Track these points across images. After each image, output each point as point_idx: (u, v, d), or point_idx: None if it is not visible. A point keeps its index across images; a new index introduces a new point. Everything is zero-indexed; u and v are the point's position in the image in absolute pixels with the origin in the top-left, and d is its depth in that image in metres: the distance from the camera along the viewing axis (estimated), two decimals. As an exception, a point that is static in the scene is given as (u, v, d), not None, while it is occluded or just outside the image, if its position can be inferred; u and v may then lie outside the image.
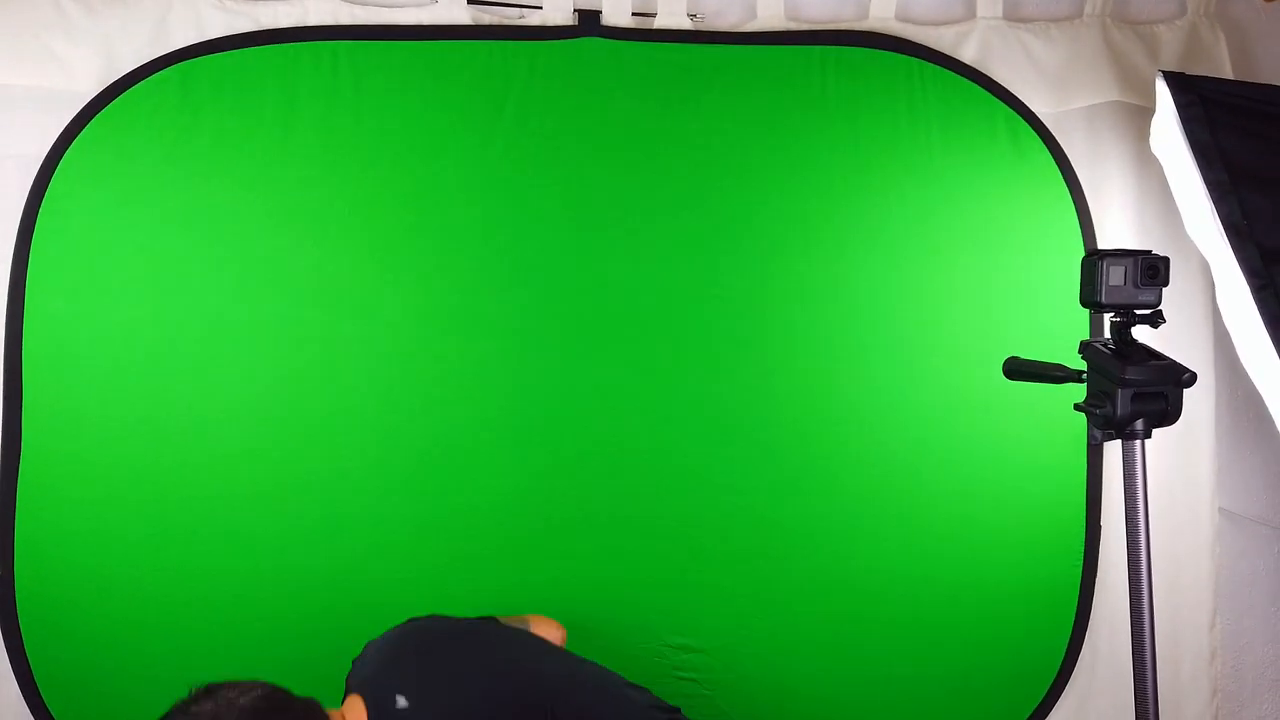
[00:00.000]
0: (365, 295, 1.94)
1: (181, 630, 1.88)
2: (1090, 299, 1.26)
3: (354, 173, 1.93)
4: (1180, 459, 2.17)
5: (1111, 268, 1.24)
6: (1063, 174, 2.12)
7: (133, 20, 1.86)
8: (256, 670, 1.87)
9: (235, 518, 1.90)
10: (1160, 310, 1.26)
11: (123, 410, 1.85)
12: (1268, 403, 1.75)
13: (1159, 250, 2.09)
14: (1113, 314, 1.26)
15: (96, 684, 1.87)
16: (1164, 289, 1.29)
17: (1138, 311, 1.26)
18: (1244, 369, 1.78)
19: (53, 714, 1.86)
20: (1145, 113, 2.06)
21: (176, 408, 1.87)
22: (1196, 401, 2.17)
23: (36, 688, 1.84)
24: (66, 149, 1.83)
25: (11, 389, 1.82)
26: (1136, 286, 1.24)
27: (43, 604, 1.84)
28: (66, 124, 1.83)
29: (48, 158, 1.82)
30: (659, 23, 2.02)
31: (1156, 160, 1.91)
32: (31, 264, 1.82)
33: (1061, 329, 1.94)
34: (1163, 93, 1.78)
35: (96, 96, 1.84)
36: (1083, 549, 2.12)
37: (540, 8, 1.99)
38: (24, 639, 1.83)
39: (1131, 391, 1.21)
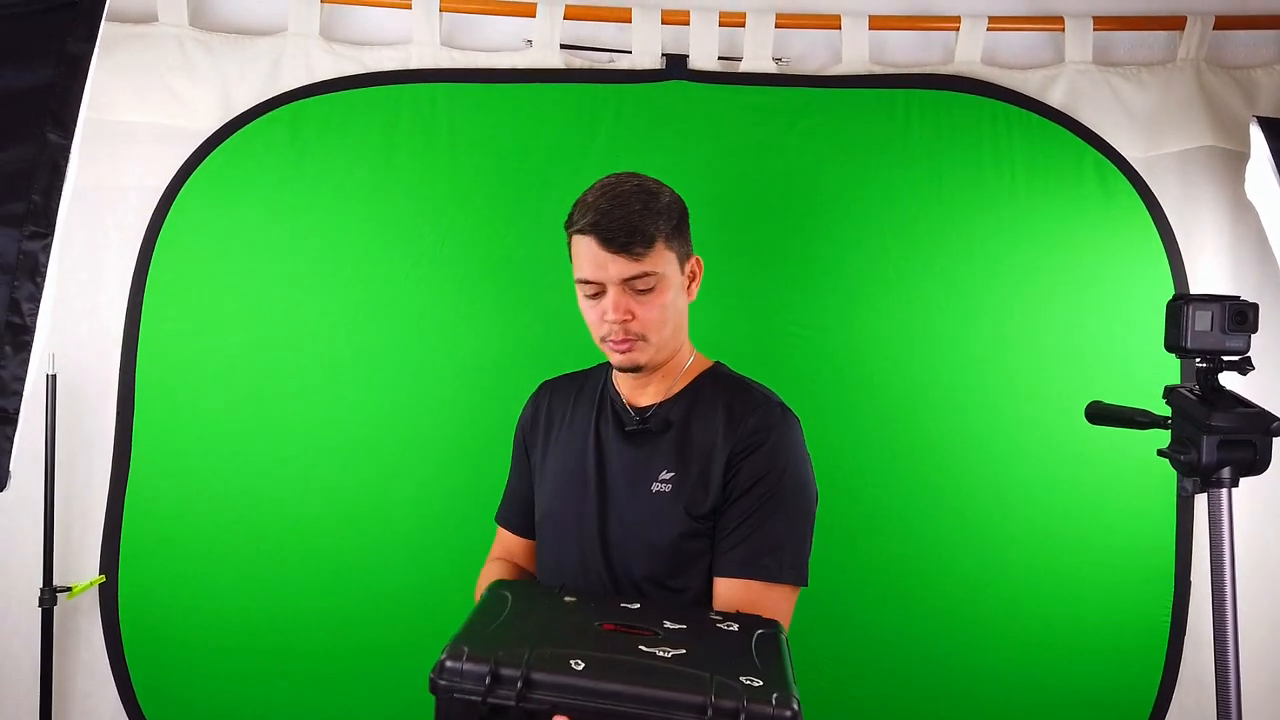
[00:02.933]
0: (454, 322, 2.01)
1: (274, 645, 1.95)
2: (1175, 344, 1.24)
3: (449, 208, 2.01)
4: (1276, 512, 2.09)
5: (1198, 313, 1.22)
6: (1153, 218, 2.09)
7: (248, 62, 1.98)
8: (348, 686, 1.95)
9: (334, 540, 1.97)
10: (1249, 357, 1.24)
11: (227, 430, 1.95)
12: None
13: (1253, 297, 2.05)
14: (1199, 359, 1.24)
15: (191, 692, 1.95)
16: (1253, 335, 1.26)
17: (1225, 358, 1.23)
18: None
19: (147, 717, 1.93)
20: (1240, 158, 2.02)
21: (278, 429, 1.96)
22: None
23: (134, 692, 1.93)
24: (185, 182, 1.95)
25: (125, 405, 1.93)
26: (1224, 332, 1.21)
27: (143, 611, 1.94)
28: (185, 159, 1.95)
29: (167, 190, 1.95)
30: (745, 66, 2.07)
31: (1252, 207, 1.87)
32: (149, 288, 1.94)
33: (1152, 375, 1.90)
34: (1257, 138, 1.75)
35: (214, 134, 1.96)
36: (1171, 602, 2.05)
37: (629, 52, 2.06)
38: (124, 644, 1.92)
39: (1218, 439, 1.19)
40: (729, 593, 1.34)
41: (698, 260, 1.47)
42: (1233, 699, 1.23)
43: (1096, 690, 2.06)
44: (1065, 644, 2.05)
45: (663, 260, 1.36)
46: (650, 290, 1.35)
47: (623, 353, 1.38)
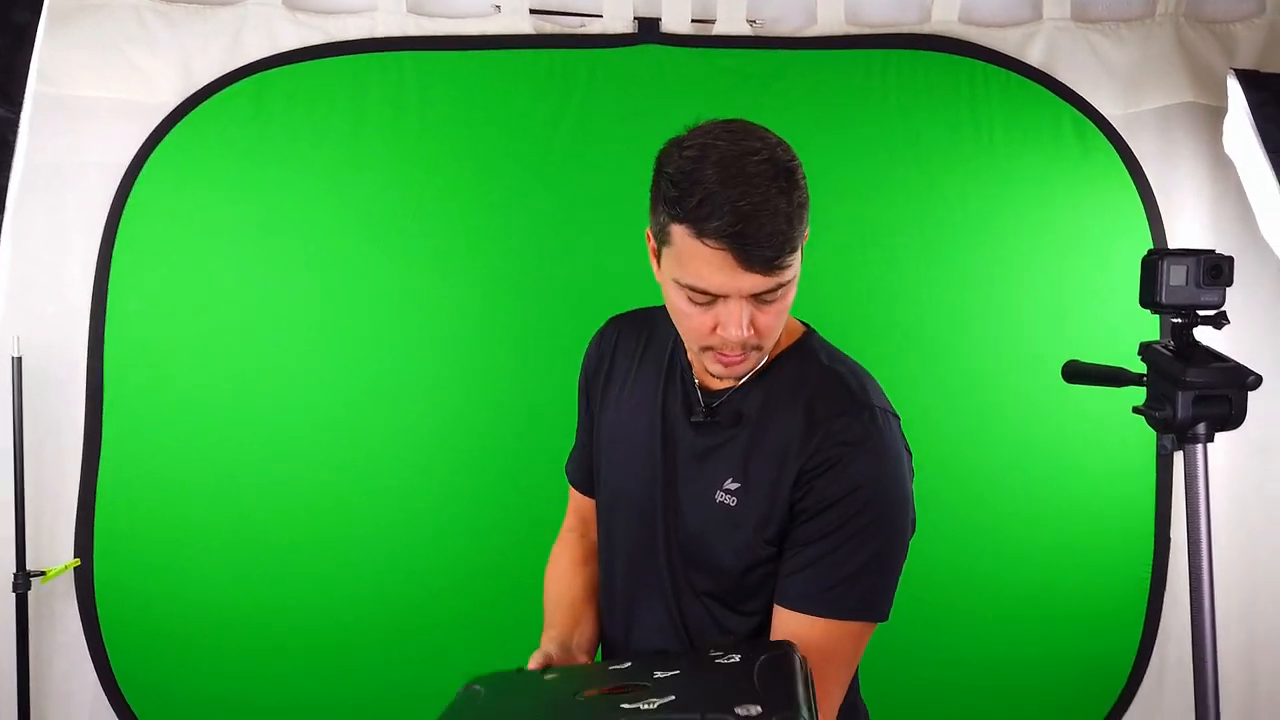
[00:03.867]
0: (429, 297, 1.99)
1: (252, 624, 1.94)
2: (1150, 299, 1.22)
3: (419, 179, 1.98)
4: (1257, 472, 2.10)
5: (1173, 267, 1.20)
6: (1132, 176, 2.08)
7: (210, 33, 1.94)
8: (331, 665, 1.94)
9: (312, 519, 1.96)
10: (1224, 311, 1.22)
11: (200, 410, 1.93)
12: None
13: (1231, 252, 2.04)
14: (1174, 315, 1.23)
15: (170, 672, 1.94)
16: (1228, 289, 1.24)
17: (1200, 312, 1.22)
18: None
19: (128, 702, 1.92)
20: (1220, 114, 2.00)
21: (251, 409, 1.94)
22: (1274, 411, 2.09)
23: (113, 674, 1.92)
24: (147, 158, 1.91)
25: (94, 386, 1.90)
26: (1199, 286, 1.20)
27: (121, 596, 1.92)
28: (147, 134, 1.91)
29: (129, 166, 1.91)
30: (718, 29, 2.03)
31: (1230, 162, 1.85)
32: (114, 267, 1.90)
33: (1131, 332, 1.90)
34: (1235, 91, 1.73)
35: (176, 108, 1.92)
36: (1151, 559, 2.06)
37: (600, 16, 2.02)
38: (101, 626, 1.91)
39: (1193, 394, 1.17)
40: (786, 625, 1.11)
41: (805, 232, 1.13)
42: (1208, 653, 1.22)
43: (1078, 646, 2.08)
44: (1047, 602, 2.06)
45: (796, 262, 1.07)
46: (777, 299, 1.08)
47: (731, 364, 1.11)
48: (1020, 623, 2.06)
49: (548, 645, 1.18)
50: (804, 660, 0.98)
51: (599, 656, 1.34)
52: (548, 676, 1.07)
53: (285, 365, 1.95)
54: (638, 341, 1.31)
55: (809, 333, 1.24)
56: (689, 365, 1.22)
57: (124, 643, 1.92)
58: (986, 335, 2.06)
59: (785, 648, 1.01)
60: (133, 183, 1.91)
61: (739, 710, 0.85)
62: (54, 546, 1.91)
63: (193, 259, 1.94)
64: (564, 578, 1.35)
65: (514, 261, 2.01)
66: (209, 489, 1.92)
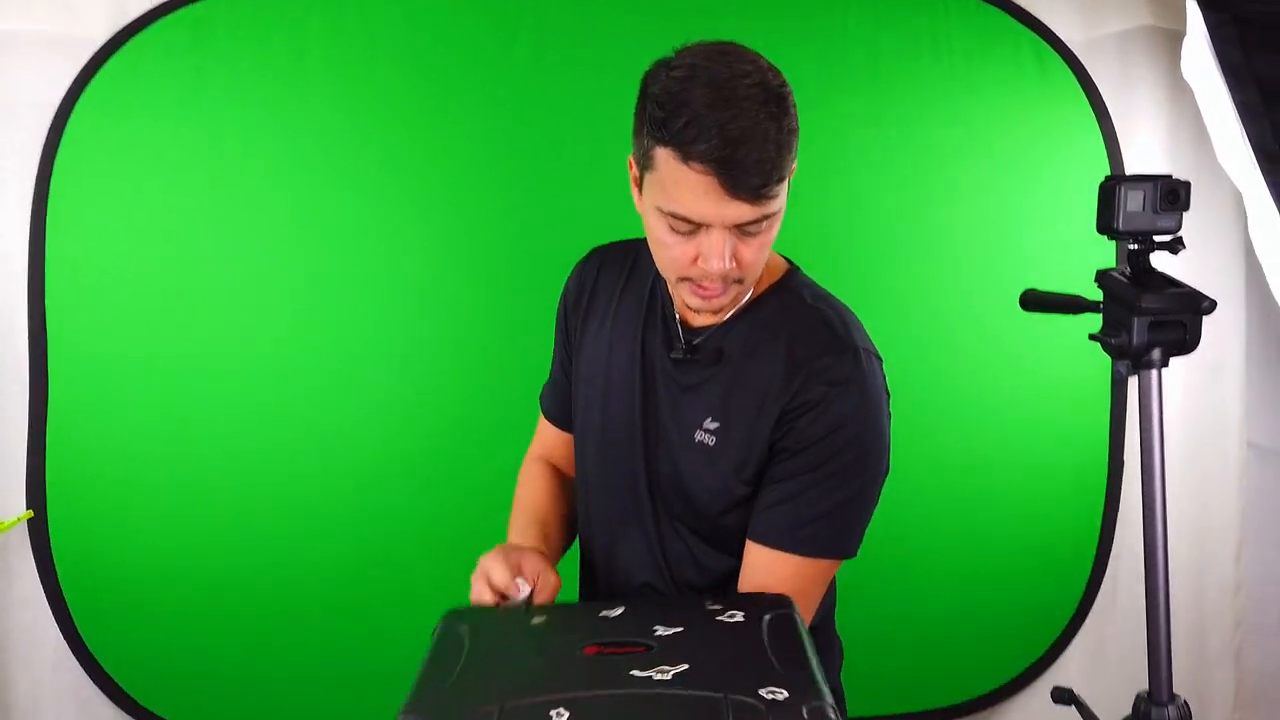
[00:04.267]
0: (381, 229, 1.94)
1: (211, 567, 1.92)
2: (1107, 225, 1.22)
3: (366, 114, 1.92)
4: (1209, 394, 2.15)
5: (1130, 193, 1.19)
6: (1091, 102, 2.07)
7: (141, -38, 1.84)
8: (294, 605, 1.94)
9: (266, 461, 1.93)
10: (1180, 237, 1.22)
11: (146, 354, 1.88)
12: (1298, 333, 1.71)
13: (1193, 183, 2.05)
14: (1131, 241, 1.23)
15: (135, 622, 1.92)
16: (1184, 214, 1.24)
17: (1157, 238, 1.22)
18: (1276, 301, 1.74)
19: (92, 652, 1.91)
20: (1179, 38, 1.97)
21: (197, 347, 1.89)
22: (1226, 336, 2.14)
23: (74, 624, 1.90)
24: (79, 95, 1.82)
25: (36, 335, 1.84)
26: (1155, 212, 1.20)
27: (77, 545, 1.89)
28: (78, 71, 1.82)
29: (61, 105, 1.82)
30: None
31: (1189, 88, 1.85)
32: (50, 211, 1.83)
33: (1089, 261, 1.91)
34: (1193, 12, 1.71)
35: (107, 42, 1.83)
36: (1105, 483, 2.11)
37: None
38: (59, 577, 1.88)
39: (1149, 320, 1.18)
40: (757, 560, 1.11)
41: (793, 166, 1.09)
42: (1160, 570, 1.25)
43: (1034, 566, 2.13)
44: (1004, 524, 2.11)
45: (782, 193, 1.04)
46: (761, 232, 1.04)
47: (710, 298, 1.08)
48: (978, 545, 2.10)
49: (529, 560, 1.11)
50: (800, 619, 0.97)
51: (574, 596, 1.35)
52: (535, 620, 1.00)
53: (234, 304, 1.90)
54: (620, 274, 1.27)
55: (792, 270, 1.22)
56: (670, 300, 1.20)
57: (84, 593, 1.89)
58: (944, 263, 2.06)
59: (786, 607, 0.98)
60: (65, 122, 1.83)
61: (764, 692, 0.81)
62: (5, 499, 1.87)
63: (134, 200, 1.87)
64: (535, 489, 1.35)
65: (466, 196, 1.96)
66: (160, 434, 1.89)
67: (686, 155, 0.97)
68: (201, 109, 1.87)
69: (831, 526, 1.10)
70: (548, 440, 1.40)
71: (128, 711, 1.93)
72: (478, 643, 0.94)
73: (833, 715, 0.77)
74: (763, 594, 1.02)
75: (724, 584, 1.18)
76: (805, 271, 1.23)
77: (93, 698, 1.91)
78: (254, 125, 1.88)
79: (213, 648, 1.94)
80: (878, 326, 1.96)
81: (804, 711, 0.78)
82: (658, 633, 0.93)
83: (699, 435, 1.14)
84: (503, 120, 1.96)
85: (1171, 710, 1.27)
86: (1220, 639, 2.19)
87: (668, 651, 0.89)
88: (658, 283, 1.23)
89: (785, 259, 1.23)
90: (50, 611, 1.88)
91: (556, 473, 1.38)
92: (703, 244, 1.03)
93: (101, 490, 1.88)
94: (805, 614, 1.09)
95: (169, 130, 1.86)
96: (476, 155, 1.96)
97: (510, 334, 1.95)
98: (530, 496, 1.34)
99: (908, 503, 2.06)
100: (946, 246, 2.06)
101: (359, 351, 1.95)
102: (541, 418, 1.40)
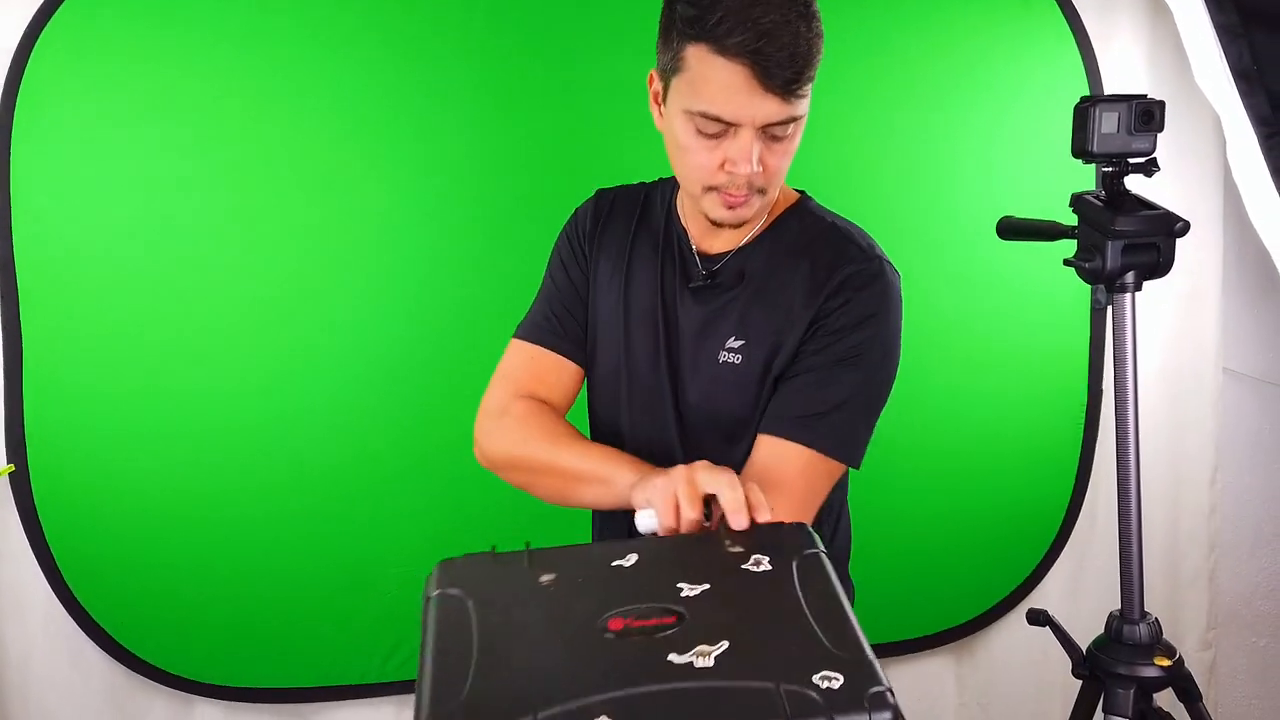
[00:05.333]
0: (350, 181, 1.91)
1: (198, 514, 1.92)
2: (1082, 148, 1.22)
3: (334, 53, 1.87)
4: (1186, 320, 2.15)
5: (1104, 114, 1.19)
6: (1071, 28, 2.04)
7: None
8: (272, 552, 1.95)
9: (246, 402, 1.91)
10: (1155, 159, 1.22)
11: (121, 300, 1.85)
12: (1275, 259, 1.71)
13: (1170, 105, 2.02)
14: (1106, 164, 1.22)
15: (123, 572, 1.92)
16: (1161, 137, 1.24)
17: (1131, 160, 1.21)
18: (1253, 226, 1.74)
19: (82, 604, 1.91)
20: (1158, -43, 1.96)
21: (173, 293, 1.87)
22: (1204, 262, 2.14)
23: (62, 577, 1.90)
24: (38, 37, 1.77)
25: (8, 287, 1.82)
26: (1130, 134, 1.19)
27: (60, 496, 1.88)
28: (34, 11, 1.77)
29: (19, 48, 1.77)
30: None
31: (1169, 9, 1.82)
32: (14, 160, 1.78)
33: (1072, 186, 1.91)
34: (1172, -70, 1.68)
35: (63, -19, 1.78)
36: (1084, 410, 2.13)
37: None
38: (45, 530, 1.88)
39: (1122, 243, 1.18)
40: (765, 449, 1.12)
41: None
42: (1132, 490, 1.27)
43: (1017, 496, 2.15)
44: (985, 454, 2.12)
45: (807, 98, 1.06)
46: (787, 137, 1.06)
47: (735, 207, 1.10)
48: (958, 474, 2.12)
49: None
50: (827, 553, 0.91)
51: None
52: (542, 579, 0.89)
53: (209, 251, 1.87)
54: (631, 215, 1.28)
55: (806, 196, 1.25)
56: (685, 233, 1.22)
57: (70, 544, 1.89)
58: (921, 189, 2.04)
59: (806, 540, 0.92)
60: (24, 66, 1.77)
61: (818, 679, 0.75)
62: (-15, 453, 1.86)
63: (103, 144, 1.82)
64: (576, 434, 1.23)
65: (438, 136, 1.92)
66: (138, 380, 1.87)
67: (722, 49, 0.99)
68: (164, 52, 1.81)
69: (841, 422, 1.12)
70: (544, 373, 1.28)
71: (121, 661, 1.94)
72: (486, 619, 0.83)
73: (891, 701, 0.73)
74: (781, 526, 0.96)
75: None
76: None
77: (84, 648, 1.93)
78: (217, 67, 1.83)
79: (203, 593, 1.95)
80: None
81: (862, 701, 0.73)
82: (683, 593, 0.85)
83: (723, 355, 1.17)
84: (476, 66, 1.92)
85: (1142, 627, 1.30)
86: (1195, 561, 2.23)
87: (700, 623, 0.81)
88: (671, 218, 1.25)
89: (796, 189, 1.25)
90: (37, 564, 1.89)
91: (554, 412, 1.28)
92: (730, 148, 1.05)
93: (83, 440, 1.87)
94: (808, 515, 1.12)
95: (136, 73, 1.81)
96: (446, 103, 1.92)
97: (492, 288, 1.94)
98: (597, 446, 1.22)
99: (889, 434, 2.07)
100: (923, 172, 2.04)
101: (337, 298, 1.93)
102: (528, 351, 1.30)
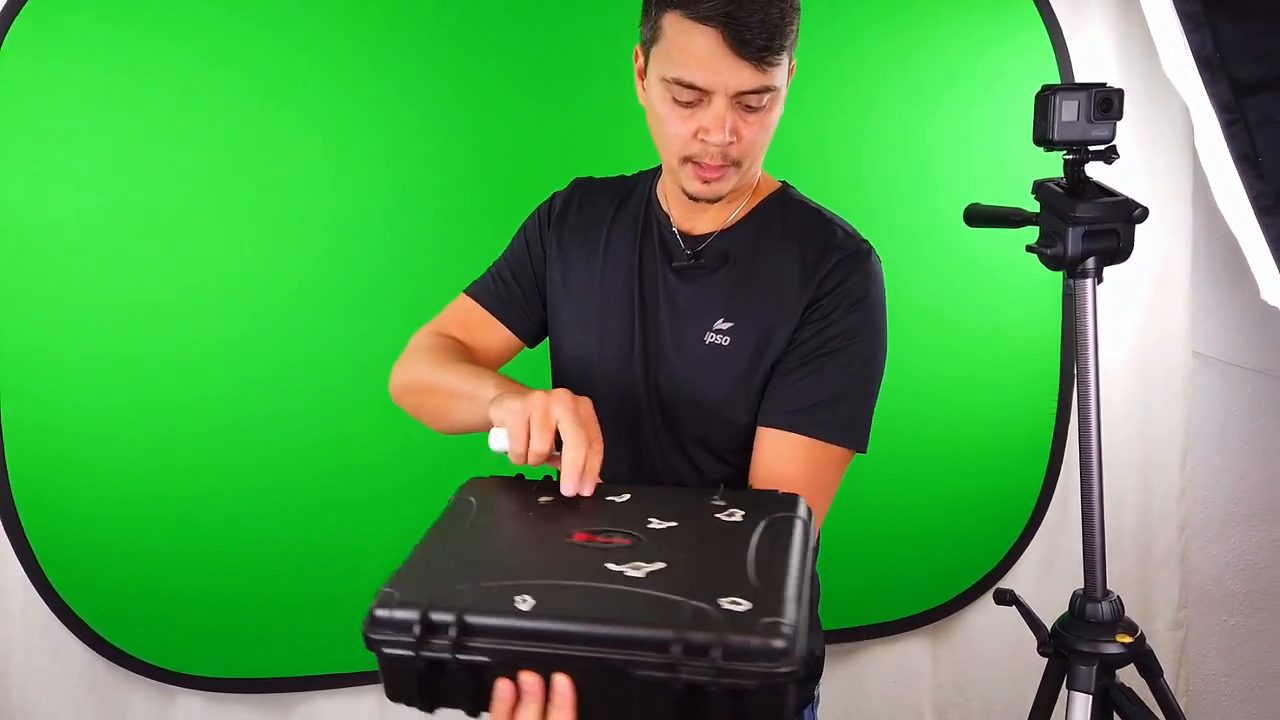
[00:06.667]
0: (328, 172, 1.91)
1: (176, 502, 1.92)
2: (1042, 136, 1.24)
3: (317, 37, 1.86)
4: (1156, 304, 2.18)
5: (1064, 102, 1.21)
6: (1041, 13, 2.05)
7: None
8: (252, 541, 1.96)
9: (219, 396, 1.91)
10: (1115, 146, 1.24)
11: (94, 294, 1.85)
12: (1242, 245, 1.73)
13: (1140, 94, 2.04)
14: (1066, 152, 1.24)
15: (101, 561, 1.91)
16: (1126, 126, 1.26)
17: (1091, 148, 1.23)
18: (1220, 213, 1.76)
19: (60, 594, 1.91)
20: (1127, -54, 1.98)
21: (147, 287, 1.86)
22: (1173, 248, 2.17)
23: (41, 569, 1.89)
24: (8, 29, 1.76)
25: (-19, 280, 1.81)
26: (1090, 121, 1.21)
27: (38, 488, 1.87)
28: (5, 1, 1.76)
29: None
30: None
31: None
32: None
33: (1040, 173, 1.93)
34: (1138, -80, 1.70)
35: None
36: (1056, 395, 2.15)
37: None
38: (23, 522, 1.88)
39: (1083, 229, 1.21)
40: (770, 445, 1.13)
41: (793, 65, 1.15)
42: (1095, 472, 1.29)
43: (989, 482, 2.18)
44: (958, 443, 2.14)
45: (783, 71, 1.08)
46: (762, 108, 1.08)
47: (710, 180, 1.11)
48: (933, 458, 2.14)
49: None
50: (807, 523, 0.95)
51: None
52: (542, 500, 1.01)
53: (186, 238, 1.85)
54: (608, 208, 1.29)
55: (787, 184, 1.28)
56: (666, 217, 1.24)
57: (49, 536, 1.88)
58: (890, 179, 2.06)
59: (791, 508, 0.96)
60: (-6, 55, 1.77)
61: (724, 603, 0.80)
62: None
63: (78, 135, 1.81)
64: (464, 358, 1.26)
65: (441, 128, 1.92)
66: (115, 371, 1.86)
67: (694, 14, 1.02)
68: (142, 35, 1.80)
69: (844, 410, 1.13)
70: (472, 325, 1.33)
71: (101, 653, 1.94)
72: (481, 520, 0.98)
73: (787, 632, 0.76)
74: (775, 493, 1.01)
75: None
76: None
77: (65, 640, 1.92)
78: (196, 51, 1.82)
79: (183, 584, 1.95)
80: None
81: (757, 625, 0.77)
82: (651, 525, 0.94)
83: (709, 337, 1.17)
84: (466, 50, 1.92)
85: (1105, 605, 1.32)
86: (1166, 543, 2.26)
87: (652, 546, 0.90)
88: (651, 202, 1.26)
89: (779, 179, 1.28)
90: (15, 556, 1.88)
91: (458, 344, 1.32)
92: (704, 116, 1.07)
93: (60, 431, 1.86)
94: (822, 506, 1.13)
95: (107, 60, 1.80)
96: (436, 83, 1.92)
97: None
98: (476, 366, 1.24)
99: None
100: (897, 161, 2.05)
101: (314, 288, 1.93)
102: (466, 304, 1.35)
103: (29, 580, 1.89)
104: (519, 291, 1.32)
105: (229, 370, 1.91)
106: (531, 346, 1.37)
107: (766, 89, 1.06)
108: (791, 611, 0.79)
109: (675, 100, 1.07)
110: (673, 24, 1.05)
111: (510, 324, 1.32)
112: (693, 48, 1.03)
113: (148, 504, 1.91)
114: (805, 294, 1.14)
